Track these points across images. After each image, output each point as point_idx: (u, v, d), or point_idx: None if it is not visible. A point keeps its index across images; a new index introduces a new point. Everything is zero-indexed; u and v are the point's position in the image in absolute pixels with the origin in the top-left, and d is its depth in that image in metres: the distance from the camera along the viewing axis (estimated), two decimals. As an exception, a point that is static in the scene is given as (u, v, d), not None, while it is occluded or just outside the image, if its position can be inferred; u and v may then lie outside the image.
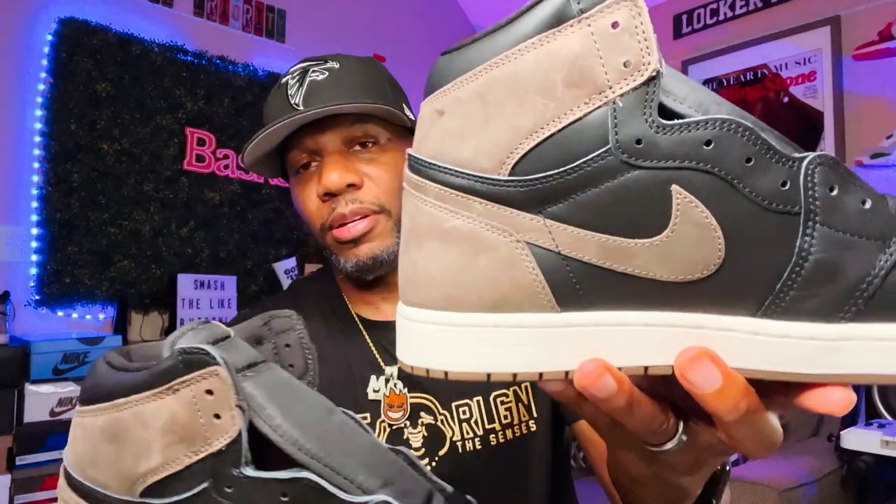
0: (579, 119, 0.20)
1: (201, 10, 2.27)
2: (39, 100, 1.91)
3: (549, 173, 0.20)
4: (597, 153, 0.20)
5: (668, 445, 0.25)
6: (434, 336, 0.23)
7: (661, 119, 0.19)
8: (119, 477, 0.21)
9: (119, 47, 2.04)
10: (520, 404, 0.60)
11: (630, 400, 0.22)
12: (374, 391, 0.60)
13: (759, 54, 1.97)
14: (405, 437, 0.58)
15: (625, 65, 0.19)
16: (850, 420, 1.59)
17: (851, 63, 1.82)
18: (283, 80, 0.62)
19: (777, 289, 0.19)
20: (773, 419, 0.23)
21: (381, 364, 0.61)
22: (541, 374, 0.22)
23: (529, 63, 0.20)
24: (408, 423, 0.59)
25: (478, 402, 0.59)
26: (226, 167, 2.31)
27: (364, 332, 0.62)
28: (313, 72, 0.60)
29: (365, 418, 0.58)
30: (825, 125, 1.85)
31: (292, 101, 0.59)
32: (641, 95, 0.19)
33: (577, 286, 0.22)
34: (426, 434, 0.59)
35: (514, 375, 0.22)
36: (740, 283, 0.20)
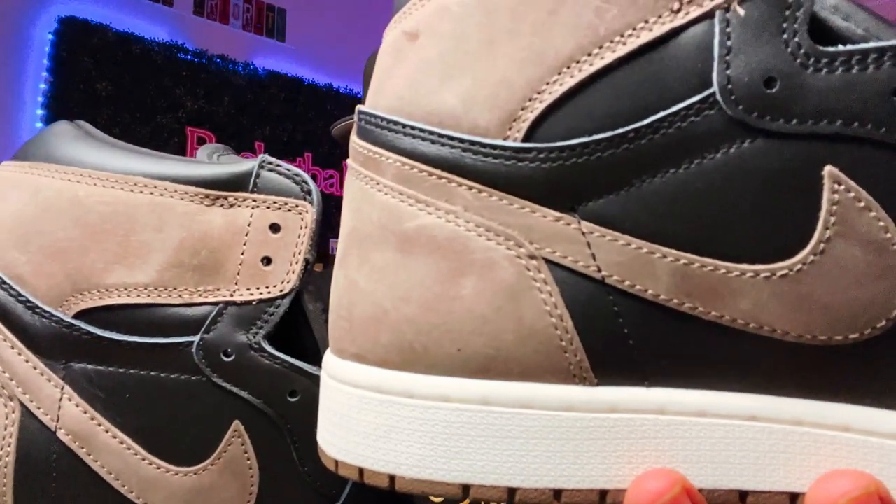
0: (659, 39, 0.11)
1: (201, 10, 2.31)
2: (40, 99, 1.94)
3: (595, 138, 0.12)
4: (688, 104, 0.11)
5: None
6: (377, 412, 0.14)
7: (813, 43, 0.11)
8: (64, 276, 0.15)
9: (119, 46, 2.10)
10: None
11: None
12: None
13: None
14: None
15: (747, -57, 0.11)
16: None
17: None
18: None
19: None
20: None
21: None
22: (557, 494, 0.13)
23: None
24: None
25: None
26: (226, 166, 2.40)
27: None
28: None
29: None
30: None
31: None
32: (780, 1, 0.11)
33: (630, 342, 0.13)
34: None
35: (511, 492, 0.13)
36: (940, 358, 0.11)
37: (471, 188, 0.13)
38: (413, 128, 0.14)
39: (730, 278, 0.12)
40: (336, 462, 0.14)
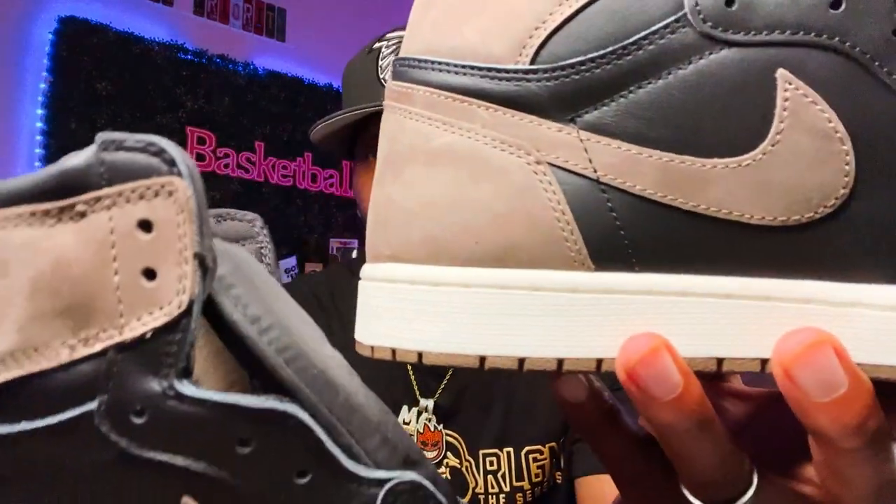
0: (639, -28, 0.14)
1: (201, 9, 2.35)
2: (40, 99, 1.98)
3: (589, 56, 0.15)
4: (664, 23, 0.14)
5: None
6: (407, 300, 0.17)
7: (764, -31, 0.14)
8: None
9: (119, 46, 2.14)
10: (553, 460, 0.57)
11: (701, 414, 0.15)
12: (405, 423, 0.56)
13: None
14: None
15: None
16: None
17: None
18: (377, 44, 0.59)
19: (937, 237, 0.14)
20: None
21: (416, 394, 0.57)
22: (560, 362, 0.16)
23: None
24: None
25: (508, 454, 0.56)
26: (226, 166, 2.40)
27: None
28: None
29: None
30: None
31: (381, 75, 0.56)
32: (735, -65, 0.14)
33: (621, 232, 0.16)
34: (449, 477, 0.55)
35: (521, 362, 0.16)
36: (875, 228, 0.14)
37: (487, 108, 0.16)
38: (440, 63, 0.17)
39: (704, 171, 0.15)
40: (371, 348, 0.17)
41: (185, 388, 0.12)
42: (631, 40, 0.15)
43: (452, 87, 0.17)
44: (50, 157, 1.97)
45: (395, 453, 0.13)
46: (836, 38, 0.13)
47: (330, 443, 0.13)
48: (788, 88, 0.14)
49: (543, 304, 0.16)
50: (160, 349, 0.12)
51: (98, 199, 0.12)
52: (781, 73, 0.14)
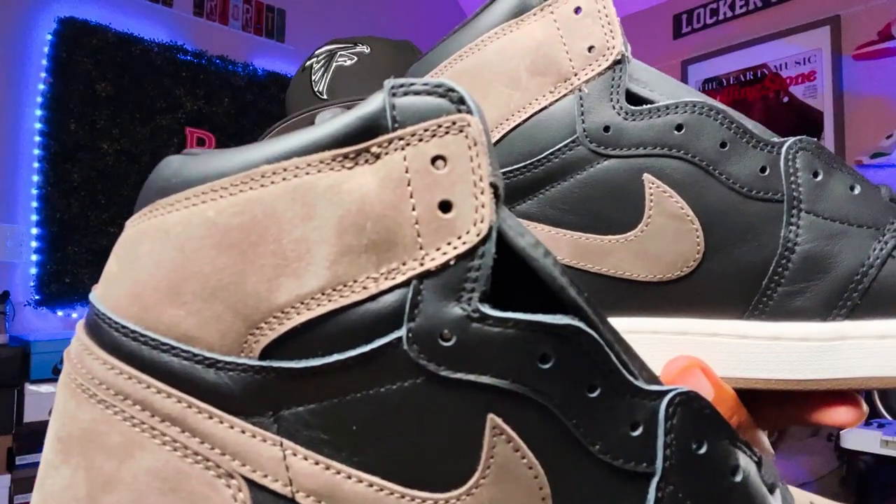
0: (545, 108, 0.20)
1: (201, 10, 2.38)
2: (39, 100, 2.02)
3: (516, 166, 0.21)
4: (564, 143, 0.20)
5: None
6: None
7: (629, 105, 0.20)
8: (232, 315, 0.13)
9: (119, 47, 2.16)
10: None
11: None
12: None
13: (759, 54, 2.09)
14: None
15: (589, 50, 0.20)
16: (849, 420, 1.67)
17: (851, 63, 1.92)
18: (308, 62, 0.62)
19: (763, 285, 0.20)
20: (764, 438, 0.23)
21: None
22: None
23: (493, 53, 0.21)
24: None
25: None
26: (226, 166, 2.46)
27: None
28: (340, 56, 0.61)
29: None
30: (825, 125, 1.98)
31: (315, 88, 0.60)
32: (608, 81, 0.20)
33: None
34: None
35: None
36: (723, 281, 0.20)
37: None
38: None
39: (603, 244, 0.21)
40: None
41: (489, 309, 0.13)
42: (542, 155, 0.21)
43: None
44: (50, 157, 1.99)
45: (652, 378, 0.15)
46: (682, 151, 0.19)
47: (614, 358, 0.14)
48: (652, 187, 0.20)
49: None
50: (462, 276, 0.13)
51: (391, 141, 0.13)
52: (647, 177, 0.20)
